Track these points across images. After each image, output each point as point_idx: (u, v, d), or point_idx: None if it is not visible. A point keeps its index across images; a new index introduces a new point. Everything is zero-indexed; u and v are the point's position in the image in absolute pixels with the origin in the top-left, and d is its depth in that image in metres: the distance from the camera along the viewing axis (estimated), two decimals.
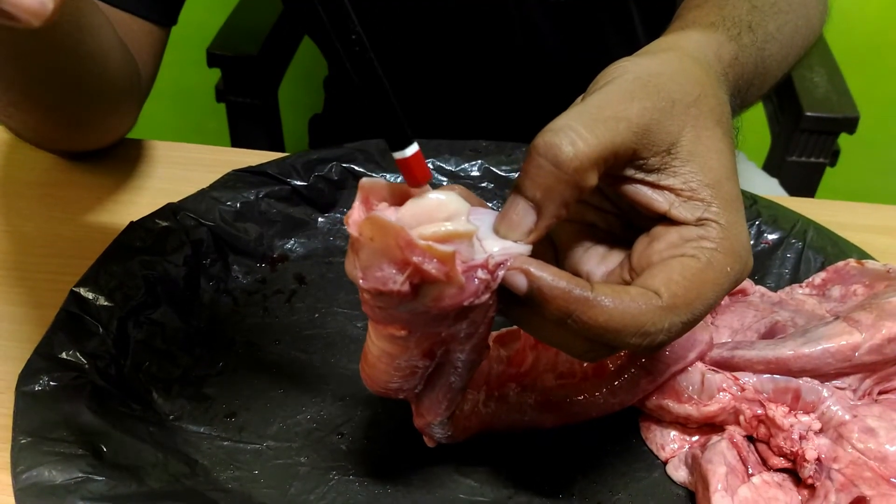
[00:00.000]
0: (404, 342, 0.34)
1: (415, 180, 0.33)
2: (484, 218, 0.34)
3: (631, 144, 0.34)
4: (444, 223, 0.32)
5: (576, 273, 0.38)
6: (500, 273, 0.33)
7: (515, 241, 0.34)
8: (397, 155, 0.33)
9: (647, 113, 0.34)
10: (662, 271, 0.34)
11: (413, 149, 0.33)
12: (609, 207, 0.39)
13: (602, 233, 0.39)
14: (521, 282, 0.33)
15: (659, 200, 0.35)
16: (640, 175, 0.35)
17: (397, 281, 0.31)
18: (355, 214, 0.32)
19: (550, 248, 0.40)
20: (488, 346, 0.37)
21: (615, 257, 0.38)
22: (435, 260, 0.30)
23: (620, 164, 0.35)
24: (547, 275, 0.32)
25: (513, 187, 0.34)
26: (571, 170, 0.33)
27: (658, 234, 0.35)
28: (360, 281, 0.32)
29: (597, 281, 0.37)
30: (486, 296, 0.33)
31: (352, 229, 0.31)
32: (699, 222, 0.35)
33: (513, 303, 0.34)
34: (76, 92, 0.56)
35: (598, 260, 0.38)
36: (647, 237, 0.36)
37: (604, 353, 0.36)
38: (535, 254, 0.34)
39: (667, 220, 0.35)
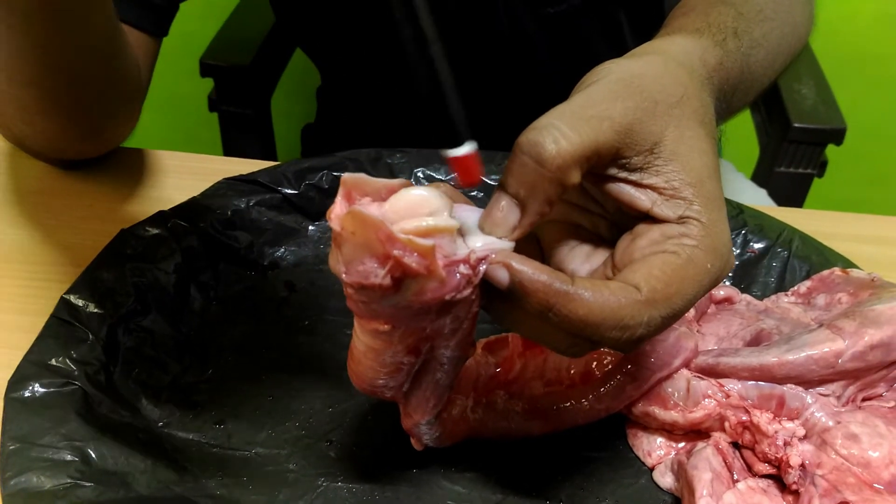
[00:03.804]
0: (389, 337, 0.35)
1: (463, 180, 0.34)
2: (469, 215, 0.35)
3: (614, 143, 0.34)
4: (426, 218, 0.32)
5: (560, 271, 0.38)
6: (482, 268, 0.33)
7: (499, 238, 0.34)
8: (451, 152, 0.34)
9: (630, 112, 0.35)
10: (643, 266, 0.34)
11: (467, 148, 0.34)
12: (594, 208, 0.39)
13: (587, 233, 0.40)
14: (502, 276, 0.33)
15: (642, 199, 0.36)
16: (623, 174, 0.36)
17: (379, 275, 0.31)
18: (337, 209, 0.32)
19: (536, 248, 0.40)
20: (474, 343, 0.38)
21: (599, 256, 0.38)
22: (415, 254, 0.31)
23: (604, 162, 0.35)
24: (528, 268, 0.33)
25: (497, 184, 0.34)
26: (554, 167, 0.33)
27: (641, 231, 0.36)
28: (343, 275, 0.32)
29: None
30: (469, 290, 0.33)
31: (334, 223, 0.32)
32: (681, 220, 0.35)
33: (495, 297, 0.34)
34: (99, 97, 0.56)
35: (582, 258, 0.38)
36: (630, 235, 0.36)
37: (586, 349, 0.36)
38: (522, 253, 0.34)
39: (649, 218, 0.36)
